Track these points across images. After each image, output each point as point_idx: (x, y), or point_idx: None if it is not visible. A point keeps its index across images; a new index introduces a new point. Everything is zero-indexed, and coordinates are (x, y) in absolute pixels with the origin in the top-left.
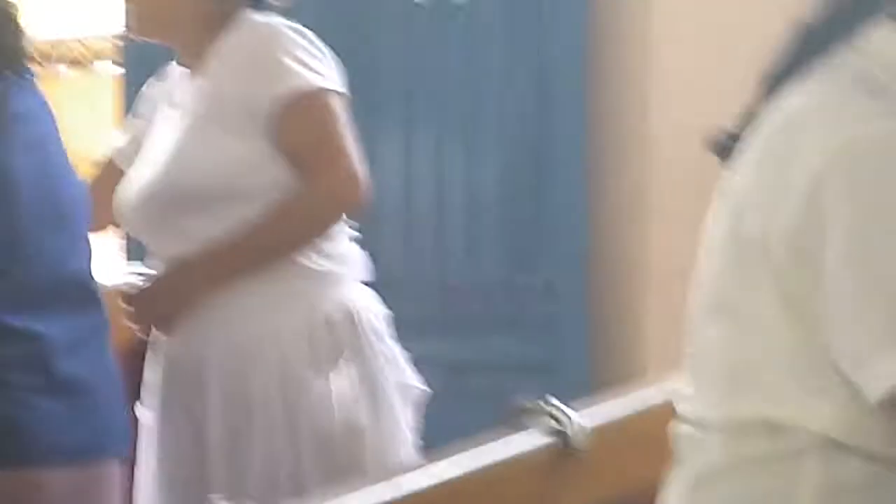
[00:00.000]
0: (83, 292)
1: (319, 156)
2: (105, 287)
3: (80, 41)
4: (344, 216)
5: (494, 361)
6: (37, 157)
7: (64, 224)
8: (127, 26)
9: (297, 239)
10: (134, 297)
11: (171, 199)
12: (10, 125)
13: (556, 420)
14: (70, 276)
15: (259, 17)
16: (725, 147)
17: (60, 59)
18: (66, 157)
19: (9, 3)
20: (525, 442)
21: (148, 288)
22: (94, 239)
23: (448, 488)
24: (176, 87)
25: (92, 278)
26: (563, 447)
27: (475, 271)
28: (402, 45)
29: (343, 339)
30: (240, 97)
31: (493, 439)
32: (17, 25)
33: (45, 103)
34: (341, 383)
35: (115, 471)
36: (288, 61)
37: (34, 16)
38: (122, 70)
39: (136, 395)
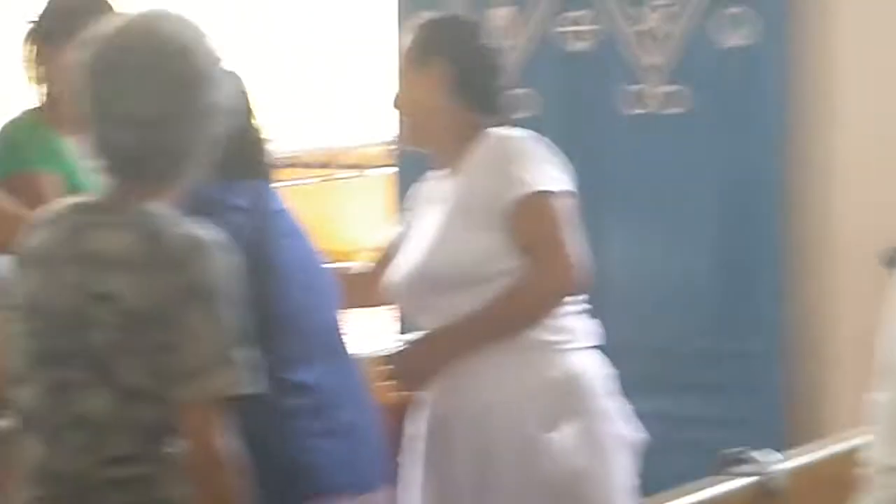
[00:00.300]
0: (339, 354)
1: (544, 249)
2: (376, 353)
3: (354, 149)
4: (565, 297)
5: (704, 416)
6: (290, 244)
7: (319, 300)
8: (400, 138)
9: (523, 318)
10: (394, 360)
11: (431, 281)
12: (269, 218)
13: (758, 466)
14: (327, 341)
15: (502, 129)
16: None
17: (339, 165)
18: (312, 247)
19: (252, 126)
20: (731, 486)
21: (404, 353)
22: (374, 313)
23: None
24: (435, 187)
25: (343, 343)
26: (764, 490)
27: (688, 339)
28: (626, 148)
29: (568, 399)
30: (485, 197)
31: (704, 483)
32: (260, 141)
33: (284, 203)
34: (567, 437)
35: (380, 501)
36: (522, 167)
37: (317, 129)
38: (392, 171)
39: (398, 442)
